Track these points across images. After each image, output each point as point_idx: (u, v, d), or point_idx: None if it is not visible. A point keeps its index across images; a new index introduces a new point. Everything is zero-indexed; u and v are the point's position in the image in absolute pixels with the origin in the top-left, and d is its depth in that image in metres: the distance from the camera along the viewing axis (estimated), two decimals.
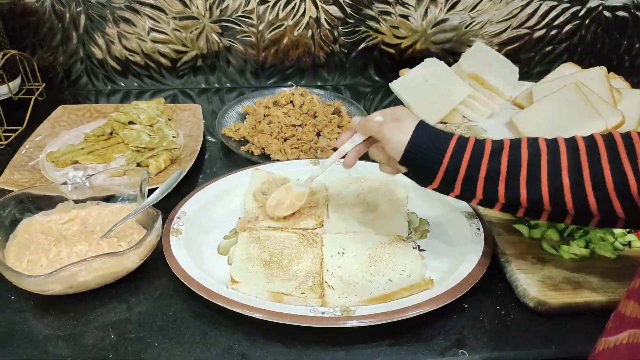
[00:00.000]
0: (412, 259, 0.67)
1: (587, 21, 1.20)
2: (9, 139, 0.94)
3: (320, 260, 0.67)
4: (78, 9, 1.07)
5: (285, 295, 0.61)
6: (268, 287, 0.63)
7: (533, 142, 0.59)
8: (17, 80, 1.04)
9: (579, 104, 0.95)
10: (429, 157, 0.60)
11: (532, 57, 1.24)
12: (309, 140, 0.95)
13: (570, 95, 0.96)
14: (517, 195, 0.57)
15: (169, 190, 0.71)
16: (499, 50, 1.18)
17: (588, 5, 1.17)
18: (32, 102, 1.03)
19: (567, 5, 1.17)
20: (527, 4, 1.16)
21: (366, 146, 0.68)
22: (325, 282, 0.64)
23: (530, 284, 0.64)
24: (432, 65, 1.06)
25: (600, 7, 1.18)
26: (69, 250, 0.63)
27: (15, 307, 0.62)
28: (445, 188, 0.61)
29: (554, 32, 1.21)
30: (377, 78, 1.23)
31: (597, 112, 0.93)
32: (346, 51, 1.18)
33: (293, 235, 0.71)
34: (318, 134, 0.98)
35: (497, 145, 0.59)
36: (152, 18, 1.09)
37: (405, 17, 1.15)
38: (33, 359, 0.56)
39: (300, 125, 0.98)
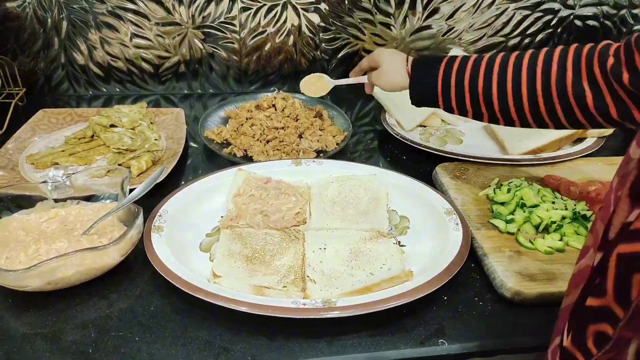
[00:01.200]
0: (393, 253, 0.69)
1: (559, 30, 1.24)
2: None
3: (302, 256, 0.68)
4: (60, 15, 1.07)
5: (267, 289, 0.62)
6: (250, 281, 0.63)
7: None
8: None
9: None
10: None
11: None
12: (291, 142, 0.96)
13: None
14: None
15: (151, 187, 0.71)
16: None
17: (560, 15, 1.22)
18: (12, 107, 1.03)
19: (540, 14, 1.22)
20: (502, 13, 1.20)
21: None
22: (307, 276, 0.65)
23: (507, 275, 0.65)
24: None
25: (572, 17, 1.23)
26: (48, 247, 0.63)
27: None
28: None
29: (527, 40, 1.25)
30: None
31: None
32: (327, 57, 1.21)
33: (275, 232, 0.72)
34: (300, 136, 0.99)
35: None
36: (135, 24, 1.10)
37: (386, 25, 1.18)
38: (11, 357, 0.55)
39: (282, 128, 0.99)
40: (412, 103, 0.80)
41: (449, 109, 0.76)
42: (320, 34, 1.17)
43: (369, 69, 0.90)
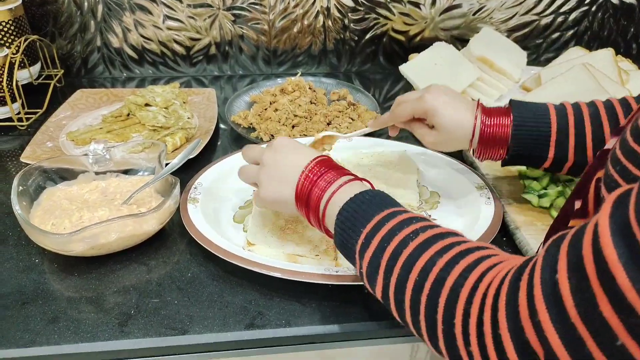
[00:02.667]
0: None
1: (594, 8, 1.21)
2: (29, 121, 0.97)
3: None
4: None
5: (300, 257, 0.63)
6: (284, 249, 0.64)
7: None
8: (37, 66, 1.07)
9: (586, 83, 0.96)
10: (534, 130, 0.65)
11: (540, 44, 1.26)
12: (320, 129, 0.97)
13: (578, 75, 0.98)
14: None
15: (188, 158, 0.73)
16: (507, 37, 1.20)
17: None
18: (51, 87, 1.07)
19: None
20: None
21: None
22: None
23: (540, 248, 0.65)
24: (441, 49, 1.07)
25: None
26: (90, 215, 0.66)
27: (40, 269, 0.64)
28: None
29: (561, 18, 1.22)
30: (386, 65, 1.25)
31: (605, 91, 0.94)
32: (356, 38, 1.21)
33: None
34: (329, 124, 0.99)
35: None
36: (167, 6, 1.12)
37: (415, 4, 1.17)
38: (59, 315, 0.58)
39: (306, 117, 0.99)
40: (505, 162, 0.68)
41: (557, 161, 0.65)
42: (349, 14, 1.17)
43: (410, 118, 0.70)
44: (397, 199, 0.73)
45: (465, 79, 1.04)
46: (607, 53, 1.03)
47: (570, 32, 1.24)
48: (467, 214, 0.72)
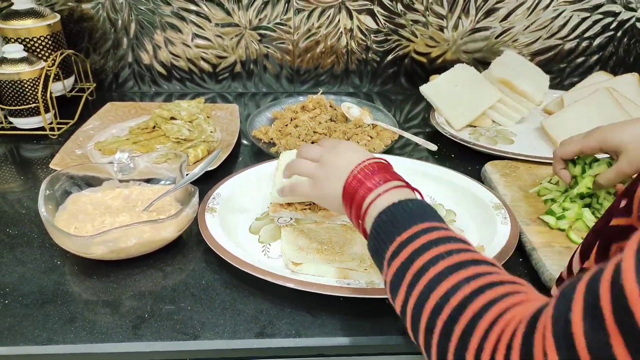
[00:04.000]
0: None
1: (619, 33, 1.21)
2: (61, 130, 1.01)
3: None
4: (130, 17, 1.16)
5: (350, 271, 0.63)
6: (332, 265, 0.64)
7: None
8: (71, 79, 1.12)
9: (610, 108, 0.95)
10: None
11: (563, 68, 1.25)
12: None
13: (602, 99, 0.97)
14: None
15: (208, 168, 0.75)
16: (530, 60, 1.20)
17: (620, 17, 1.18)
18: (83, 100, 1.11)
19: (600, 17, 1.18)
20: (558, 15, 1.18)
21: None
22: None
23: (557, 269, 0.64)
24: (462, 70, 1.08)
25: (633, 19, 1.19)
26: (112, 220, 0.68)
27: (61, 271, 0.67)
28: None
29: (585, 43, 1.22)
30: (407, 86, 1.26)
31: (629, 115, 0.93)
32: (378, 59, 1.23)
33: (335, 226, 0.73)
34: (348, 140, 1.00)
35: None
36: (196, 25, 1.17)
37: (438, 26, 1.19)
38: (76, 316, 0.60)
39: (325, 134, 1.01)
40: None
41: None
42: (372, 36, 1.19)
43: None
44: None
45: (485, 100, 1.04)
46: (632, 78, 1.02)
47: (595, 57, 1.24)
48: (483, 233, 0.72)
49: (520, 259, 0.69)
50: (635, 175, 0.47)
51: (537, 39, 1.21)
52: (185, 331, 0.58)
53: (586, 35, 1.21)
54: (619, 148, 0.64)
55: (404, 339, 0.58)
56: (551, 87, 1.14)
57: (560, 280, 0.50)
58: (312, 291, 0.59)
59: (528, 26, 1.19)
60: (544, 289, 0.64)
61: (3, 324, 0.58)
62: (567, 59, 1.24)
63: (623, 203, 0.44)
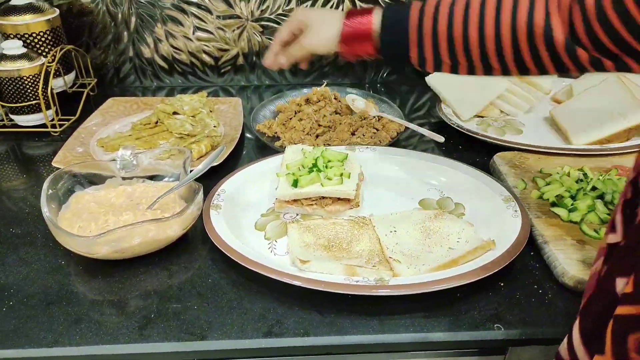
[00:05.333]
0: (464, 227, 0.69)
1: None
2: (63, 127, 1.00)
3: (377, 240, 0.68)
4: (130, 10, 1.14)
5: (358, 268, 0.62)
6: (339, 262, 0.63)
7: None
8: (72, 75, 1.11)
9: (620, 95, 0.93)
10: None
11: None
12: (344, 138, 0.96)
13: (612, 87, 0.95)
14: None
15: (211, 165, 0.74)
16: None
17: None
18: (84, 95, 1.10)
19: None
20: None
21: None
22: (390, 257, 0.64)
23: (570, 263, 0.62)
24: None
25: None
26: (115, 219, 0.67)
27: (65, 271, 0.66)
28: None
29: None
30: (413, 75, 1.24)
31: (639, 103, 0.91)
32: None
33: (342, 222, 0.72)
34: (353, 133, 0.98)
35: None
36: (198, 17, 1.15)
37: None
38: (82, 317, 0.59)
39: (330, 127, 0.99)
40: (380, 53, 0.67)
41: (421, 61, 0.64)
42: None
43: (292, 37, 0.74)
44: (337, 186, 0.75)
45: (493, 90, 1.02)
46: None
47: None
48: (493, 227, 0.70)
49: (531, 253, 0.68)
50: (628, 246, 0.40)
51: None
52: (192, 331, 0.57)
53: None
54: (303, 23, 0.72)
55: (416, 337, 0.57)
56: (560, 75, 1.11)
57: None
58: (320, 289, 0.58)
59: None
60: (555, 282, 0.63)
61: (8, 326, 0.58)
62: None
63: (629, 287, 0.36)
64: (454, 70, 0.63)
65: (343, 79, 1.24)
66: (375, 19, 0.65)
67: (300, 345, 0.56)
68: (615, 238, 0.42)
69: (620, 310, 0.36)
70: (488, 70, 0.61)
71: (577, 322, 0.43)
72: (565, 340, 0.44)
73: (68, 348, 0.55)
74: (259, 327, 0.58)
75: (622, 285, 0.37)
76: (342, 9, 1.15)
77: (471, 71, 0.62)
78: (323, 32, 0.69)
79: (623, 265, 0.38)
